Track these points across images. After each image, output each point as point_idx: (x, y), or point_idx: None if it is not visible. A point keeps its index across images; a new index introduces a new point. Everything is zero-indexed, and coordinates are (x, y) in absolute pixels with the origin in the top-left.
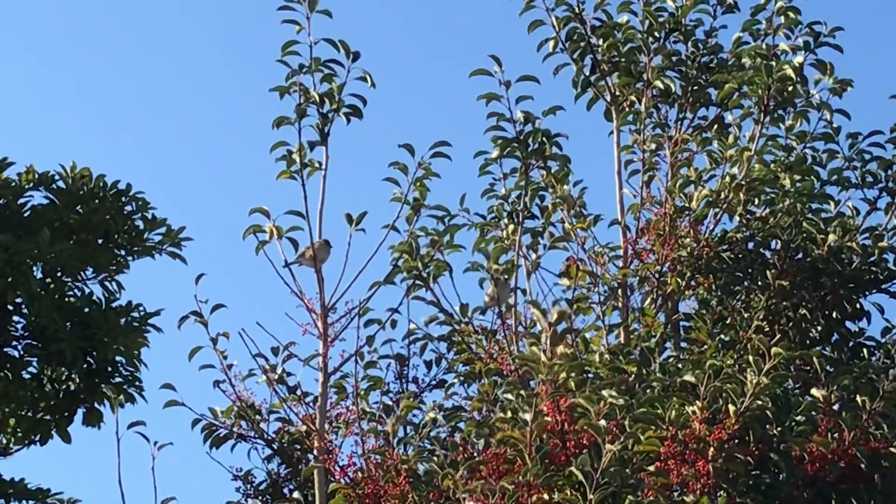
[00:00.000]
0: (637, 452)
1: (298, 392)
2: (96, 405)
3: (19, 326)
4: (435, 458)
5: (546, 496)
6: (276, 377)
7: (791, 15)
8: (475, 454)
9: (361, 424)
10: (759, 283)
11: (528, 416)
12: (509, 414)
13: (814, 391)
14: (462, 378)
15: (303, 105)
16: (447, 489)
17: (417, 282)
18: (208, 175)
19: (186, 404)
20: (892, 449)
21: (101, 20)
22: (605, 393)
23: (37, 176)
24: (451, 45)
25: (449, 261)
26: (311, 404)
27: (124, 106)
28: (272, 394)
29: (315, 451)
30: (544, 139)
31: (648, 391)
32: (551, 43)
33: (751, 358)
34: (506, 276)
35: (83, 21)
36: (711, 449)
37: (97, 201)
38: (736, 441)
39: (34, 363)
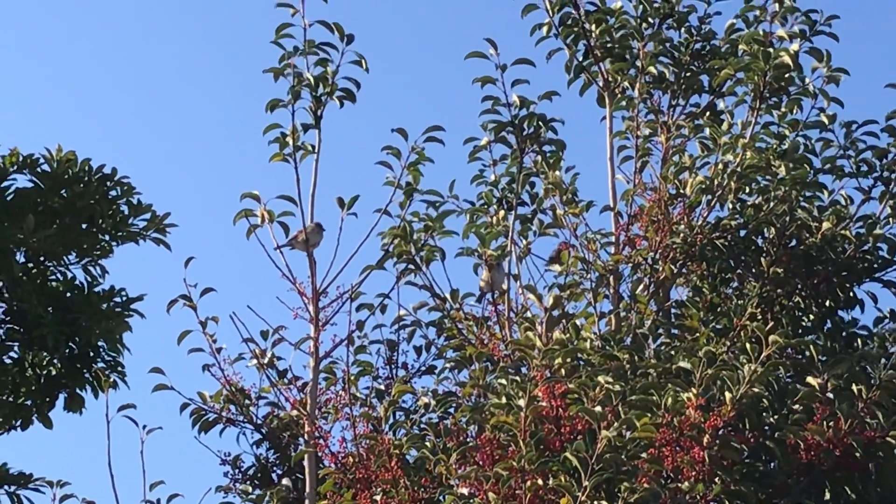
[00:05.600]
0: (631, 439)
1: (288, 376)
2: (78, 390)
3: (0, 311)
4: (427, 444)
5: (540, 482)
6: (266, 361)
7: (787, 2)
8: (468, 440)
9: (352, 409)
10: (753, 270)
11: (522, 402)
12: (503, 399)
13: (809, 379)
14: (453, 364)
15: (297, 87)
16: (440, 475)
17: (410, 266)
18: (196, 160)
19: (175, 388)
20: (887, 438)
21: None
22: (600, 379)
23: (21, 158)
24: (446, 28)
25: (441, 246)
26: (300, 389)
27: (112, 90)
28: (262, 378)
29: (305, 436)
30: (540, 123)
31: (643, 378)
32: (545, 28)
33: (747, 346)
34: (499, 261)
35: (69, 2)
36: (706, 436)
37: (82, 185)
38: (731, 428)
39: (16, 348)
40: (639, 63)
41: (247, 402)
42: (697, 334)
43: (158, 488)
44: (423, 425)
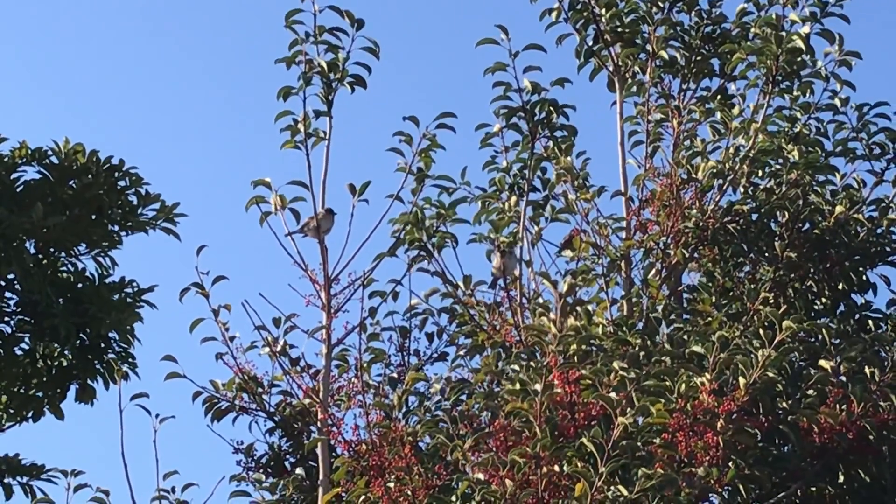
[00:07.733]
0: (646, 425)
1: (301, 364)
2: (89, 381)
3: (12, 302)
4: (441, 431)
5: (556, 468)
6: (279, 349)
7: None
8: (482, 426)
9: (365, 397)
10: (766, 254)
11: (537, 387)
12: (518, 386)
13: (822, 363)
14: (465, 350)
15: (308, 73)
16: (454, 461)
17: (421, 253)
18: (204, 149)
19: (188, 377)
20: None
21: None
22: (615, 365)
23: (30, 151)
24: (455, 15)
25: (453, 232)
26: (313, 377)
27: (120, 80)
28: (274, 366)
29: (318, 424)
30: (551, 109)
31: (657, 364)
32: (554, 13)
33: (760, 330)
34: (511, 248)
35: None
36: (720, 421)
37: (90, 176)
38: (744, 413)
39: (26, 339)
40: (649, 47)
41: (259, 390)
42: (710, 319)
43: (172, 477)
44: (436, 412)
